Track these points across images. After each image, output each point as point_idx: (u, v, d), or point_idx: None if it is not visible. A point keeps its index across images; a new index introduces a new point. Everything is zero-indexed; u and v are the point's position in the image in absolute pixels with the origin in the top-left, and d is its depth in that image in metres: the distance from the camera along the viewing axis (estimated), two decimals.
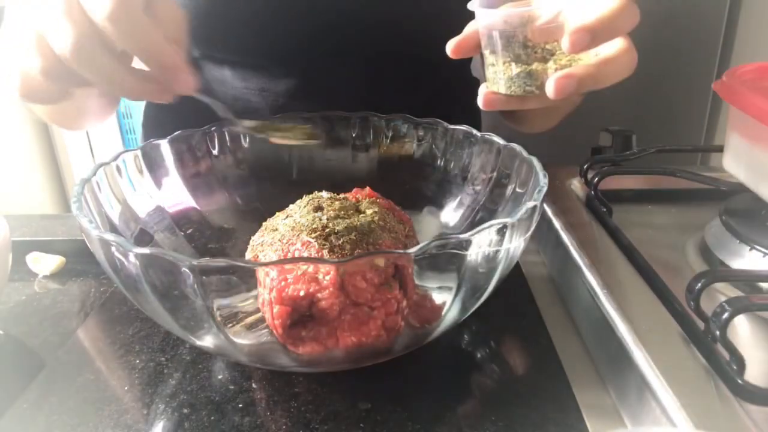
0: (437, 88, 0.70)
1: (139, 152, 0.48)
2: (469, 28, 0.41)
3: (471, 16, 0.40)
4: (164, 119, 0.72)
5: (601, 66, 0.37)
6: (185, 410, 0.37)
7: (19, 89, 0.37)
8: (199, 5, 0.58)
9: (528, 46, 0.38)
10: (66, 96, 0.37)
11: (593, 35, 0.35)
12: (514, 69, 0.38)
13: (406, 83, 0.67)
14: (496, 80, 0.39)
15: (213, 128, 0.53)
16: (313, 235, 0.39)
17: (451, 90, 0.72)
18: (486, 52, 0.39)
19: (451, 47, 0.40)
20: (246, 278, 0.33)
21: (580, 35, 0.35)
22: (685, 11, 1.08)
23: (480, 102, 0.40)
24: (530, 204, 0.36)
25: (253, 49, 0.63)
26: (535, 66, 0.38)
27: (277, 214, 0.45)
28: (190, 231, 0.50)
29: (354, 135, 0.56)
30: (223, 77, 0.65)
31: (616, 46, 0.37)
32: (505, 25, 0.37)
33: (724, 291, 0.45)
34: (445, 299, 0.36)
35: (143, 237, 0.45)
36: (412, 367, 0.40)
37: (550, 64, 0.37)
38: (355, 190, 0.48)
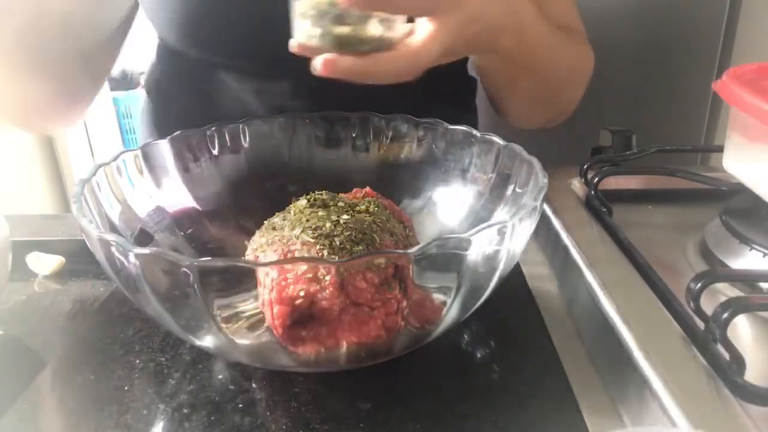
0: (434, 87, 0.69)
1: (139, 152, 0.48)
2: None
3: None
4: (162, 121, 0.72)
5: (370, 64, 0.40)
6: (185, 410, 0.37)
7: None
8: (191, 6, 0.58)
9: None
10: None
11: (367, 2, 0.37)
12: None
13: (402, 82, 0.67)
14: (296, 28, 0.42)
15: (213, 128, 0.53)
16: (313, 235, 0.39)
17: (448, 89, 0.72)
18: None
19: None
20: (246, 278, 0.33)
21: None
22: (685, 11, 1.08)
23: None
24: (530, 204, 0.36)
25: (246, 50, 0.63)
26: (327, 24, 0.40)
27: (277, 214, 0.45)
28: (190, 231, 0.50)
29: (354, 135, 0.56)
30: (218, 79, 0.65)
31: (400, 50, 0.41)
32: None
33: (724, 291, 0.45)
34: (445, 299, 0.36)
35: (143, 237, 0.46)
36: (412, 367, 0.40)
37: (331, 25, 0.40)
38: (355, 190, 0.48)
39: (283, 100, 0.64)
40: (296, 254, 0.38)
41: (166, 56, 0.70)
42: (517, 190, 0.46)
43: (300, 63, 0.62)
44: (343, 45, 0.40)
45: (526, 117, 0.67)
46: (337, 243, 0.38)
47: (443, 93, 0.71)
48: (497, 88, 0.64)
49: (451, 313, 0.36)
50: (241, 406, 0.37)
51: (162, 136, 0.50)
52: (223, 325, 0.34)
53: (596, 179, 0.56)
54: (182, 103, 0.69)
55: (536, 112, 0.66)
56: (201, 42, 0.62)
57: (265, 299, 0.36)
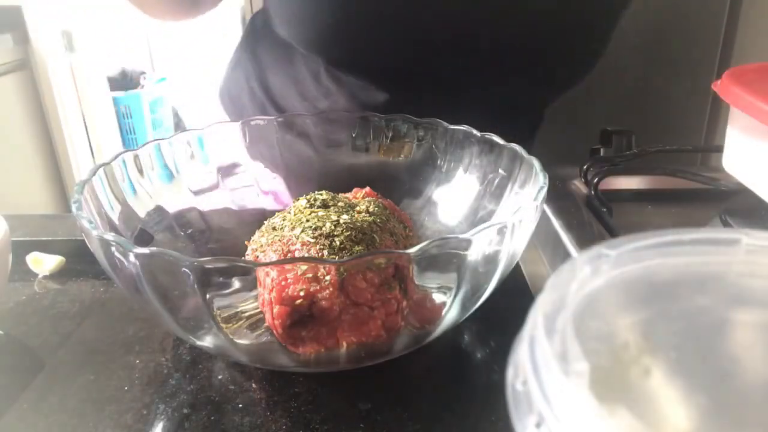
0: (505, 113, 0.67)
1: (139, 152, 0.48)
2: None
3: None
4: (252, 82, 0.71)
5: None
6: (185, 410, 0.37)
7: None
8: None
9: None
10: None
11: None
12: None
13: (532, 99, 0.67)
14: None
15: (213, 128, 0.53)
16: (313, 235, 0.39)
17: (515, 118, 0.70)
18: None
19: None
20: (246, 278, 0.33)
21: None
22: (685, 11, 1.08)
23: None
24: (530, 204, 0.36)
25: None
26: None
27: (277, 214, 0.45)
28: (190, 231, 0.50)
29: (354, 135, 0.56)
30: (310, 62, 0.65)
31: None
32: None
33: None
34: (445, 299, 0.36)
35: (143, 237, 0.46)
36: (412, 367, 0.40)
37: None
38: (355, 190, 0.48)
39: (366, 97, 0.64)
40: (296, 254, 0.38)
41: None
42: (517, 190, 0.46)
43: (437, 73, 0.61)
44: None
45: None
46: (337, 243, 0.38)
47: (510, 119, 0.69)
48: None
49: (451, 313, 0.36)
50: (241, 406, 0.37)
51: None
52: (223, 325, 0.34)
53: (596, 179, 0.56)
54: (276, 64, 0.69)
55: None
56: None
57: (265, 299, 0.36)
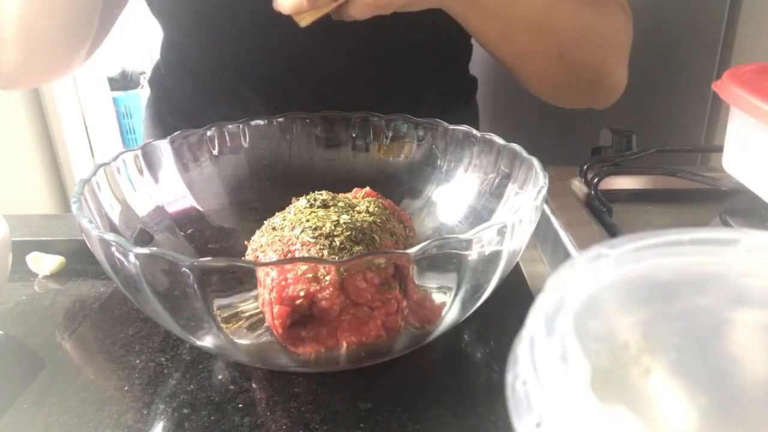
0: (433, 86, 0.69)
1: (139, 152, 0.48)
2: None
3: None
4: (165, 117, 0.72)
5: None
6: (185, 410, 0.37)
7: None
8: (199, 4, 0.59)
9: None
10: None
11: None
12: None
13: (401, 83, 0.67)
14: None
15: (213, 128, 0.53)
16: (313, 235, 0.39)
17: (448, 88, 0.72)
18: None
19: None
20: (246, 278, 0.33)
21: None
22: (685, 11, 1.08)
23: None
24: (530, 204, 0.36)
25: (251, 49, 0.63)
26: None
27: (277, 214, 0.45)
28: (190, 231, 0.50)
29: (354, 135, 0.56)
30: (222, 76, 0.65)
31: None
32: None
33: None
34: (445, 299, 0.36)
35: (143, 237, 0.46)
36: (412, 367, 0.40)
37: None
38: (355, 190, 0.48)
39: (284, 97, 0.64)
40: (296, 254, 0.38)
41: (171, 53, 0.70)
42: (517, 190, 0.46)
43: (303, 60, 0.63)
44: None
45: (548, 88, 0.60)
46: (337, 243, 0.38)
47: (442, 92, 0.71)
48: (496, 53, 0.57)
49: (451, 313, 0.36)
50: (241, 406, 0.37)
51: (165, 131, 0.50)
52: (223, 325, 0.34)
53: (596, 179, 0.56)
54: (185, 99, 0.69)
55: (555, 81, 0.59)
56: (207, 38, 0.62)
57: (265, 299, 0.36)
